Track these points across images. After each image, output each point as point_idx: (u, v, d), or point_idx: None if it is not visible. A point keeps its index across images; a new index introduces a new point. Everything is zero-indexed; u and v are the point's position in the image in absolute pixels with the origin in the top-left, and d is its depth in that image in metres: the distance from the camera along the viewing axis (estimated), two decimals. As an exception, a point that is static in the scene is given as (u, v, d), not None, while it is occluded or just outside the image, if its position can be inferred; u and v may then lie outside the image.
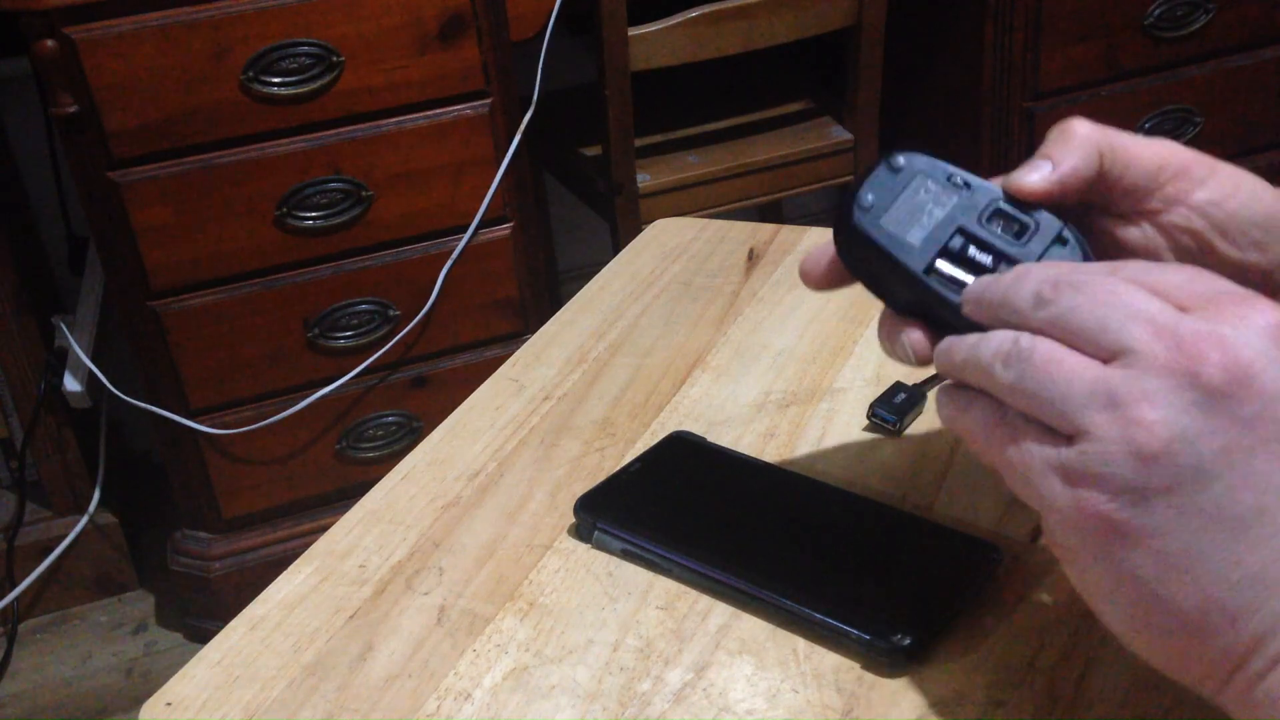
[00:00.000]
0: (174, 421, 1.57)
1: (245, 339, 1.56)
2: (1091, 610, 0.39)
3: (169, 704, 0.49)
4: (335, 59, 1.46)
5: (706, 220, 0.84)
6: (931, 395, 0.62)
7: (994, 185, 0.47)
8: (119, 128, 1.42)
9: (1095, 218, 0.48)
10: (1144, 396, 0.36)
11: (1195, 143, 1.86)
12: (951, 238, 0.46)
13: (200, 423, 1.58)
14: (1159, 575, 0.36)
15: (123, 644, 1.81)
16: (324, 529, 0.58)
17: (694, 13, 1.56)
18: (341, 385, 1.61)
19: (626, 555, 0.53)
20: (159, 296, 1.52)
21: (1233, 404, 0.36)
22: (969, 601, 0.48)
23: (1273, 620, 0.35)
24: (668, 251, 0.80)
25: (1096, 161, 0.46)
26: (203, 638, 1.76)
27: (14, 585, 1.80)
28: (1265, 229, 0.46)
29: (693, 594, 0.51)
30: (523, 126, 1.58)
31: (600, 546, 0.54)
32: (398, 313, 1.61)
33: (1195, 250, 0.46)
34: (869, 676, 0.46)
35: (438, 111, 1.53)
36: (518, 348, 0.71)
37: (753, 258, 0.78)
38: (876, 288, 0.48)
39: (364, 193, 1.53)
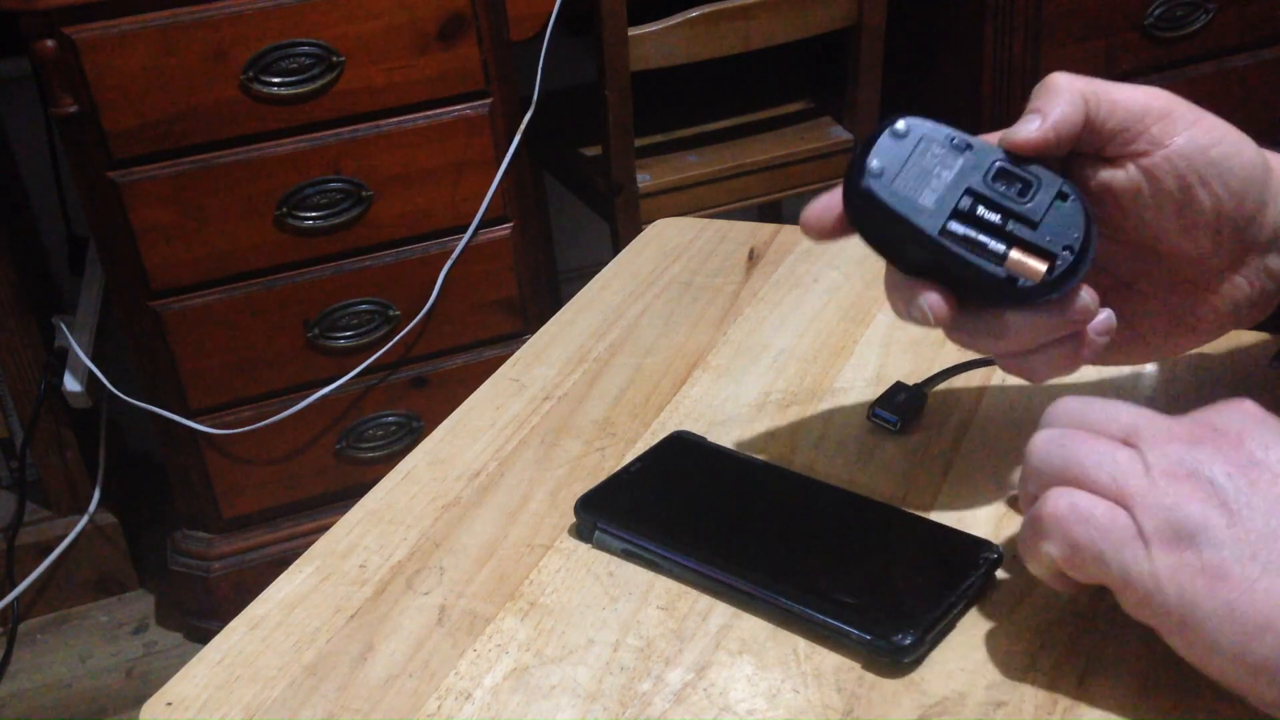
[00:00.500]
0: (174, 421, 1.57)
1: (245, 339, 1.56)
2: (1240, 693, 0.40)
3: (169, 704, 0.49)
4: (335, 59, 1.46)
5: (706, 220, 0.84)
6: (932, 395, 0.62)
7: (993, 144, 0.48)
8: (119, 128, 1.42)
9: (1082, 164, 0.49)
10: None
11: (1195, 143, 1.86)
12: (961, 198, 0.47)
13: (200, 423, 1.58)
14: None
15: (123, 644, 1.81)
16: (324, 529, 0.58)
17: (694, 13, 1.56)
18: (341, 385, 1.61)
19: (627, 555, 0.53)
20: (159, 296, 1.52)
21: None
22: (969, 601, 0.48)
23: None
24: (668, 251, 0.80)
25: (1083, 107, 0.47)
26: (203, 638, 1.76)
27: (14, 585, 1.80)
28: (1244, 180, 0.47)
29: (693, 594, 0.51)
30: (523, 126, 1.58)
31: (601, 546, 0.54)
32: (398, 313, 1.61)
33: (1177, 194, 0.47)
34: (869, 676, 0.46)
35: (438, 111, 1.53)
36: (518, 348, 0.71)
37: (753, 258, 0.78)
38: (888, 250, 0.49)
39: (364, 193, 1.53)
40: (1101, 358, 0.50)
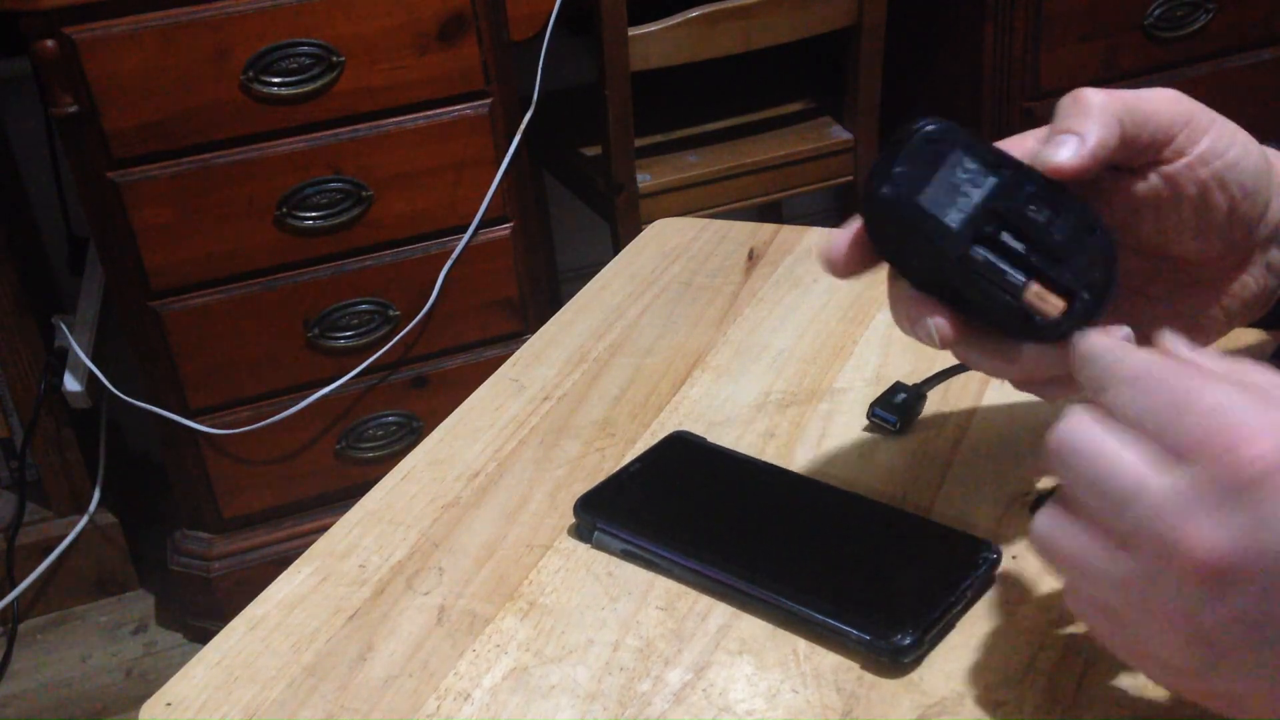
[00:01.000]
0: (174, 421, 1.57)
1: (245, 339, 1.56)
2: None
3: (169, 704, 0.49)
4: (335, 59, 1.46)
5: (706, 220, 0.84)
6: (932, 395, 0.62)
7: (1025, 163, 0.46)
8: (119, 128, 1.42)
9: (1102, 174, 0.47)
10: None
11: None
12: (987, 222, 0.45)
13: (200, 423, 1.58)
14: None
15: (123, 644, 1.81)
16: (324, 529, 0.58)
17: (694, 13, 1.56)
18: (341, 385, 1.61)
19: (626, 555, 0.53)
20: (159, 296, 1.52)
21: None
22: (969, 601, 0.48)
23: None
24: (668, 251, 0.80)
25: (1118, 129, 0.45)
26: (203, 638, 1.76)
27: (14, 585, 1.80)
28: (1255, 179, 0.47)
29: (693, 594, 0.51)
30: (523, 126, 1.58)
31: (600, 546, 0.54)
32: (398, 313, 1.61)
33: (1196, 199, 0.47)
34: (869, 676, 0.46)
35: (438, 111, 1.53)
36: (518, 348, 0.71)
37: (753, 258, 0.78)
38: (901, 262, 0.47)
39: (364, 193, 1.53)
40: None
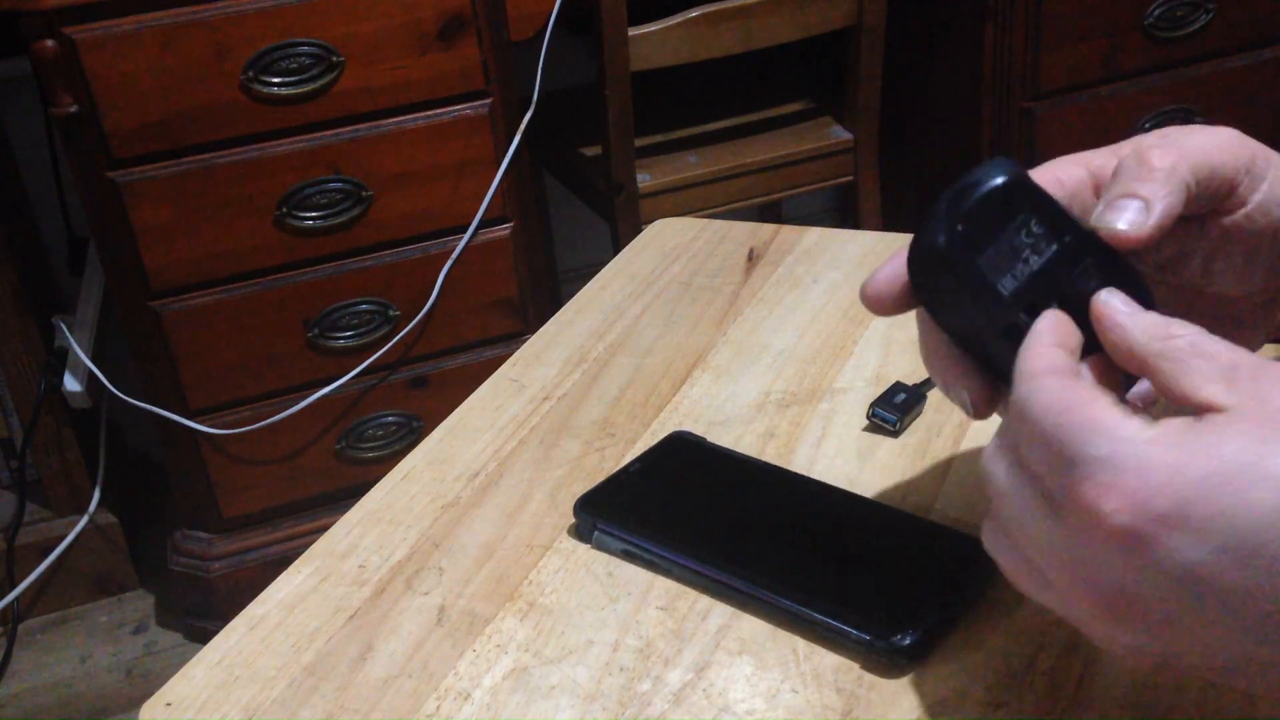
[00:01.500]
0: (174, 421, 1.57)
1: (245, 339, 1.56)
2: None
3: (169, 704, 0.49)
4: (335, 59, 1.46)
5: (706, 220, 0.84)
6: (932, 395, 0.62)
7: (1087, 226, 0.43)
8: (119, 128, 1.42)
9: None
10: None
11: (1195, 143, 1.86)
12: (1039, 290, 0.42)
13: (200, 423, 1.58)
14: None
15: (123, 644, 1.81)
16: (324, 529, 0.58)
17: (694, 13, 1.56)
18: (341, 385, 1.61)
19: (626, 555, 0.53)
20: (159, 296, 1.52)
21: None
22: (969, 601, 0.48)
23: None
24: (668, 251, 0.80)
25: (1185, 194, 0.43)
26: (203, 638, 1.76)
27: (14, 585, 1.80)
28: None
29: (693, 594, 0.51)
30: (523, 126, 1.58)
31: (600, 546, 0.54)
32: (398, 313, 1.61)
33: (1248, 244, 0.45)
34: (869, 676, 0.46)
35: (438, 111, 1.53)
36: (518, 348, 0.71)
37: (753, 258, 0.78)
38: (940, 315, 0.44)
39: (364, 193, 1.53)
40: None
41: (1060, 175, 0.46)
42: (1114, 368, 0.41)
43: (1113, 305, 0.41)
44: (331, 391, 1.61)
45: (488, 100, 1.54)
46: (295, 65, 1.45)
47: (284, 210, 1.51)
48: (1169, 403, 0.39)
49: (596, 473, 0.59)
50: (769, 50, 1.65)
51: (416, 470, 0.61)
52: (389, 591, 0.53)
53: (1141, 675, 0.44)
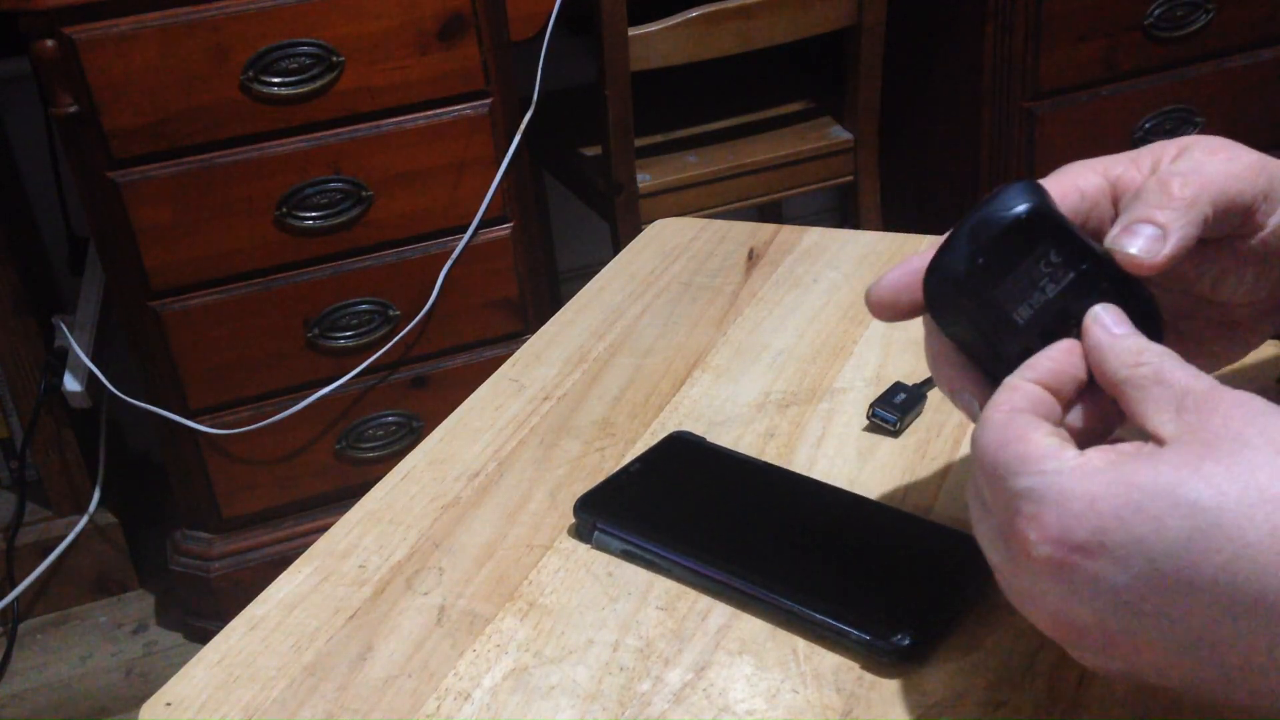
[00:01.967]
0: (174, 421, 1.57)
1: (245, 339, 1.56)
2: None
3: (169, 704, 0.49)
4: (335, 59, 1.46)
5: (706, 220, 0.84)
6: (932, 395, 0.62)
7: (1102, 251, 0.43)
8: (119, 128, 1.42)
9: None
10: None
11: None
12: (1054, 317, 0.42)
13: (200, 423, 1.58)
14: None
15: (123, 644, 1.81)
16: (324, 529, 0.58)
17: (694, 13, 1.56)
18: (341, 385, 1.61)
19: (626, 555, 0.53)
20: (159, 296, 1.52)
21: None
22: (969, 601, 0.48)
23: None
24: (668, 251, 0.80)
25: (1202, 224, 0.43)
26: (203, 638, 1.76)
27: (14, 585, 1.80)
28: None
29: (693, 594, 0.51)
30: (523, 126, 1.58)
31: (600, 546, 0.54)
32: (398, 313, 1.61)
33: (1260, 264, 0.46)
34: (869, 676, 0.46)
35: (438, 111, 1.53)
36: (518, 348, 0.71)
37: (753, 258, 0.78)
38: (953, 333, 0.44)
39: (364, 193, 1.53)
40: None
41: (1081, 184, 0.46)
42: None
43: (1101, 323, 0.41)
44: (331, 391, 1.61)
45: (488, 100, 1.54)
46: (295, 65, 1.45)
47: (284, 210, 1.51)
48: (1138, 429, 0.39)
49: (596, 473, 0.59)
50: (769, 50, 1.65)
51: (416, 470, 0.61)
52: (389, 591, 0.53)
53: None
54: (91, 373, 1.65)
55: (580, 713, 0.46)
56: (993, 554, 0.40)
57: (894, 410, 0.60)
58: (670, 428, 0.62)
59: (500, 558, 0.54)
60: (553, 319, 0.73)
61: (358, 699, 0.48)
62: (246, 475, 1.65)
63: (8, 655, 1.78)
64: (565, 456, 0.61)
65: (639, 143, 1.67)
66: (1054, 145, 1.80)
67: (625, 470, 0.57)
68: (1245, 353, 0.50)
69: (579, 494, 0.56)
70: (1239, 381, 0.59)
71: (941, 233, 0.45)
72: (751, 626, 0.49)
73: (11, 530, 1.78)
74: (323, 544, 0.57)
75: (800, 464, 0.58)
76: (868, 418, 0.61)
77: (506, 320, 1.67)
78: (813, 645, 0.48)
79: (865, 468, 0.58)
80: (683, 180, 1.71)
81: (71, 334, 1.67)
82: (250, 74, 1.43)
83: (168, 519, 1.80)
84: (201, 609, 1.74)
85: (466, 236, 1.59)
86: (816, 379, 0.65)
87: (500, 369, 0.69)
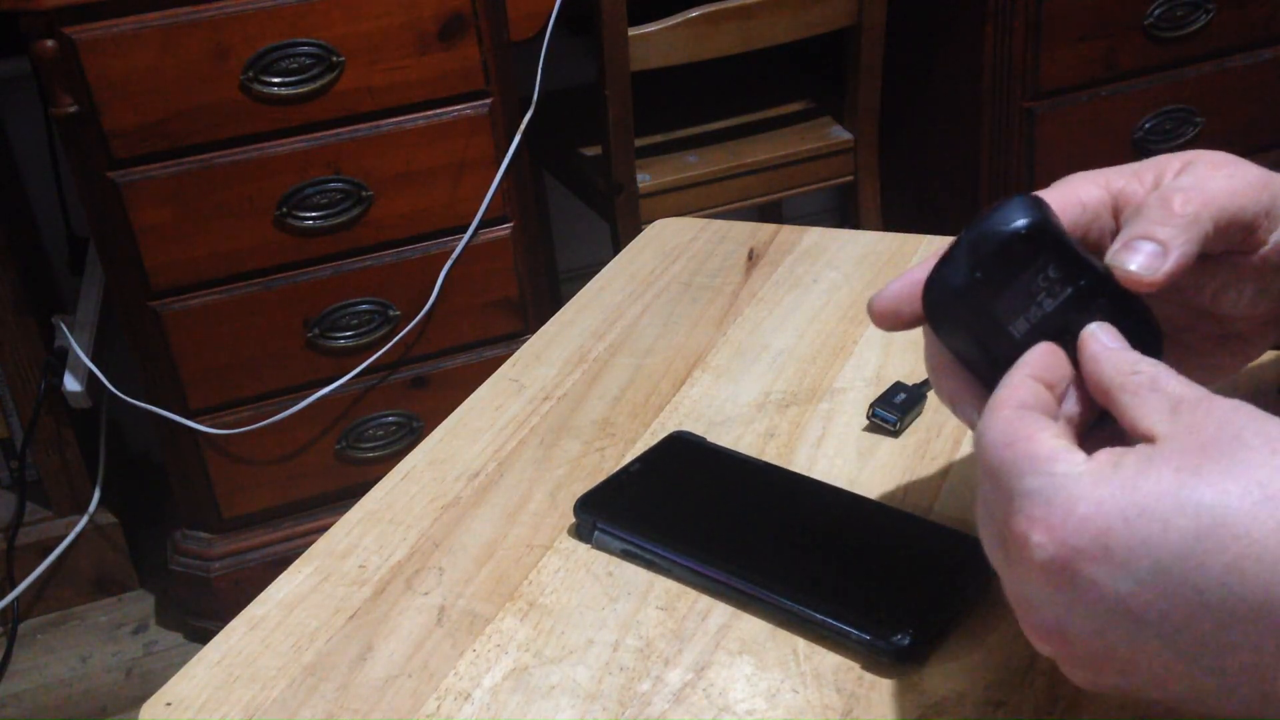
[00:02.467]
0: (174, 421, 1.57)
1: (245, 339, 1.56)
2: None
3: (169, 704, 0.49)
4: (335, 59, 1.46)
5: (706, 220, 0.84)
6: (932, 395, 0.62)
7: (1102, 267, 0.43)
8: (119, 128, 1.42)
9: None
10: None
11: (1195, 143, 1.86)
12: (1051, 331, 0.42)
13: (200, 423, 1.58)
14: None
15: (123, 644, 1.81)
16: (324, 529, 0.58)
17: (694, 13, 1.56)
18: (341, 385, 1.61)
19: (626, 555, 0.53)
20: (159, 296, 1.52)
21: None
22: (969, 601, 0.48)
23: None
24: (668, 251, 0.80)
25: (1203, 242, 0.43)
26: (203, 638, 1.76)
27: (14, 585, 1.80)
28: None
29: (693, 594, 0.51)
30: (523, 126, 1.58)
31: (600, 546, 0.54)
32: (398, 313, 1.61)
33: (1261, 278, 0.46)
34: (869, 676, 0.46)
35: (438, 111, 1.53)
36: (518, 348, 0.71)
37: (753, 258, 0.78)
38: (950, 344, 0.44)
39: (364, 193, 1.53)
40: None
41: (1082, 196, 0.46)
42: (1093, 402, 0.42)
43: (1096, 338, 0.42)
44: (331, 391, 1.61)
45: (488, 100, 1.54)
46: (295, 65, 1.45)
47: (284, 210, 1.51)
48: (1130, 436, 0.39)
49: (596, 473, 0.59)
50: (769, 50, 1.65)
51: (416, 470, 0.61)
52: (389, 591, 0.53)
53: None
54: (91, 373, 1.65)
55: (580, 713, 0.46)
56: (994, 557, 0.40)
57: (894, 410, 0.60)
58: (670, 428, 0.62)
59: (500, 558, 0.54)
60: (553, 319, 0.73)
61: (358, 699, 0.48)
62: (246, 475, 1.65)
63: (8, 655, 1.78)
64: (565, 456, 0.61)
65: (639, 143, 1.67)
66: (1054, 145, 1.80)
67: (625, 470, 0.57)
68: (1245, 364, 0.50)
69: (579, 494, 0.56)
70: (1238, 390, 0.59)
71: (941, 233, 0.45)
72: (751, 626, 0.49)
73: (11, 530, 1.78)
74: (323, 544, 0.57)
75: (800, 464, 0.58)
76: (868, 418, 0.61)
77: (506, 320, 1.67)
78: (813, 645, 0.48)
79: (865, 468, 0.58)
80: (683, 180, 1.71)
81: (71, 334, 1.67)
82: (250, 74, 1.43)
83: (168, 519, 1.80)
84: (201, 609, 1.74)
85: (466, 236, 1.59)
86: (816, 379, 0.65)
87: (500, 369, 0.69)
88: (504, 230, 1.62)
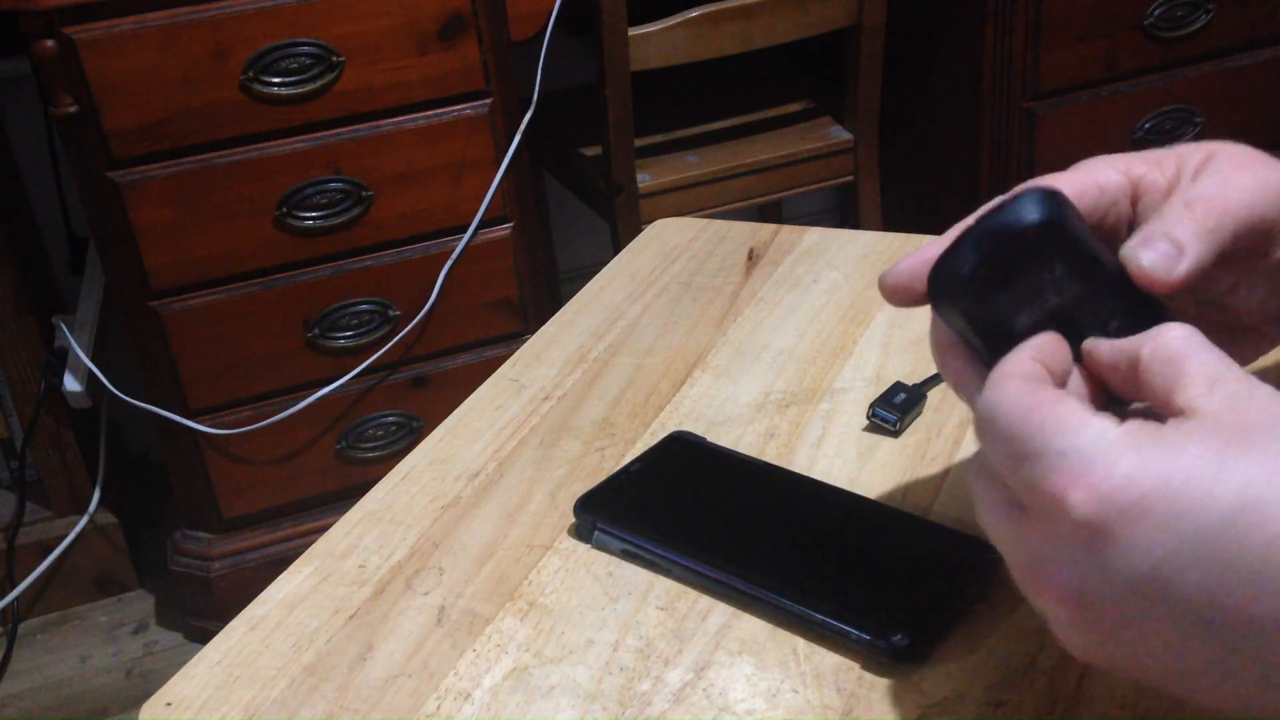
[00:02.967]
0: (174, 421, 1.57)
1: (245, 339, 1.56)
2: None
3: (169, 704, 0.49)
4: (335, 59, 1.46)
5: (706, 220, 0.84)
6: (932, 396, 0.62)
7: (1115, 266, 0.42)
8: (119, 128, 1.42)
9: None
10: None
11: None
12: (1058, 326, 0.41)
13: (200, 423, 1.58)
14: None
15: (123, 644, 1.81)
16: (324, 529, 0.58)
17: (694, 13, 1.56)
18: (341, 385, 1.61)
19: (626, 555, 0.53)
20: (159, 296, 1.52)
21: None
22: (969, 601, 0.48)
23: None
24: (668, 251, 0.80)
25: (1222, 246, 0.42)
26: (203, 638, 1.76)
27: (14, 585, 1.80)
28: None
29: (693, 594, 0.51)
30: (523, 126, 1.58)
31: (600, 546, 0.54)
32: (398, 313, 1.61)
33: (1273, 279, 0.46)
34: (869, 676, 0.46)
35: (438, 111, 1.53)
36: (518, 348, 0.71)
37: (753, 258, 0.78)
38: (956, 329, 0.44)
39: (364, 193, 1.53)
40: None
41: (1101, 180, 0.45)
42: (1098, 390, 0.41)
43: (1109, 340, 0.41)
44: (331, 391, 1.61)
45: (488, 100, 1.54)
46: (295, 65, 1.45)
47: (284, 210, 1.51)
48: (1155, 409, 0.39)
49: (596, 473, 0.59)
50: (769, 50, 1.65)
51: (416, 470, 0.61)
52: (389, 591, 0.53)
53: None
54: (91, 373, 1.65)
55: (580, 713, 0.46)
56: (1000, 524, 0.39)
57: (894, 410, 0.60)
58: (670, 428, 0.62)
59: (500, 558, 0.54)
60: (553, 319, 0.73)
61: (358, 699, 0.48)
62: (246, 475, 1.65)
63: (8, 655, 1.78)
64: (565, 456, 0.61)
65: (639, 143, 1.67)
66: (1054, 145, 1.80)
67: (625, 470, 0.57)
68: (1255, 356, 0.50)
69: (579, 494, 0.56)
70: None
71: (941, 233, 0.45)
72: (751, 626, 0.49)
73: (11, 530, 1.78)
74: (323, 544, 0.57)
75: (800, 464, 0.58)
76: (868, 418, 0.61)
77: (506, 320, 1.67)
78: (813, 645, 0.48)
79: (865, 468, 0.58)
80: (683, 180, 1.71)
81: (71, 334, 1.67)
82: (250, 74, 1.43)
83: (168, 519, 1.80)
84: (201, 609, 1.74)
85: (466, 236, 1.59)
86: (816, 379, 0.65)
87: (500, 369, 0.69)
88: (504, 230, 1.62)
